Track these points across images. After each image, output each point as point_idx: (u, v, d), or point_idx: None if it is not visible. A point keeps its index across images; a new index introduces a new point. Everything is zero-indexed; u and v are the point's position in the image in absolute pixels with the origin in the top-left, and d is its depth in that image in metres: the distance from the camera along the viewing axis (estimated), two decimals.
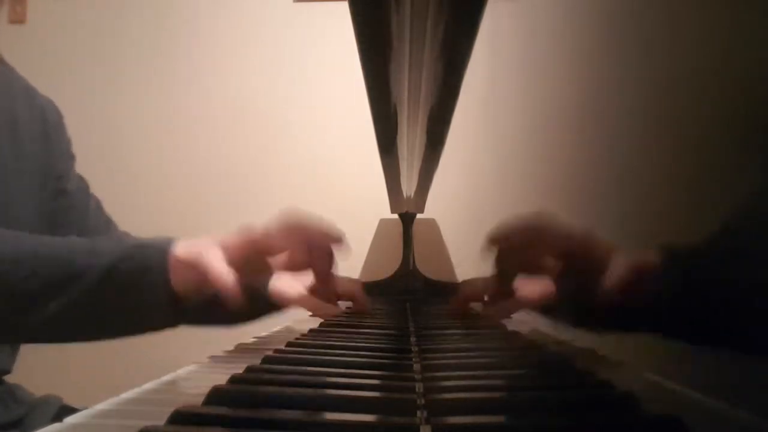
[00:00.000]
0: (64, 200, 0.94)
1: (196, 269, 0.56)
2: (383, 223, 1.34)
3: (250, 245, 0.60)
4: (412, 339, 0.61)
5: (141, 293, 0.57)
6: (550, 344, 0.62)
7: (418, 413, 0.32)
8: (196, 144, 2.04)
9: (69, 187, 0.95)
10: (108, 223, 1.00)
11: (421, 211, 1.18)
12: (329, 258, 0.65)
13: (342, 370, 0.42)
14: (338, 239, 0.65)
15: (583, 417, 0.32)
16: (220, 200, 2.01)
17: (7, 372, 0.89)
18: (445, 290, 1.20)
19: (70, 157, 1.00)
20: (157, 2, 2.11)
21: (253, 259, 0.60)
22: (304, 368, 0.44)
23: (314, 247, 0.64)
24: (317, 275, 0.65)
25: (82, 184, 1.00)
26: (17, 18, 2.06)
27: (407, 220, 1.20)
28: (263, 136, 2.03)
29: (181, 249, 0.59)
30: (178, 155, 2.04)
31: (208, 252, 0.57)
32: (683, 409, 0.37)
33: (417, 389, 0.37)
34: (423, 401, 0.34)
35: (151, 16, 2.09)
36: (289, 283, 0.72)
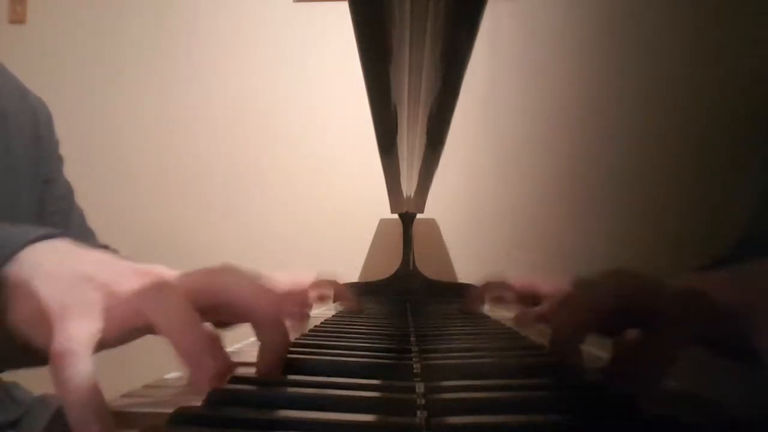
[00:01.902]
0: (50, 203, 0.91)
1: (45, 331, 0.35)
2: (383, 223, 1.34)
3: (133, 322, 0.37)
4: (412, 339, 0.61)
5: None
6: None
7: (418, 413, 0.32)
8: (196, 144, 2.04)
9: (55, 191, 0.92)
10: (90, 235, 0.98)
11: (421, 211, 1.18)
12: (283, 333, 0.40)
13: (342, 370, 0.42)
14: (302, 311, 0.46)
15: (583, 417, 0.32)
16: (219, 200, 2.01)
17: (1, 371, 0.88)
18: (445, 290, 1.20)
19: (59, 159, 0.97)
20: (157, 2, 2.11)
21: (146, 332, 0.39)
22: (304, 368, 0.44)
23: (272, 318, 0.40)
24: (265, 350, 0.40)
25: (68, 191, 0.96)
26: (17, 18, 2.06)
27: (407, 220, 1.20)
28: (263, 136, 2.03)
29: (42, 278, 0.36)
30: (178, 155, 2.04)
31: (73, 323, 0.35)
32: (683, 409, 0.37)
33: (417, 389, 0.37)
34: (423, 401, 0.34)
35: (151, 16, 2.09)
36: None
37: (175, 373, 0.47)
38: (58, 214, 0.92)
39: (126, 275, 0.39)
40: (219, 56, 2.07)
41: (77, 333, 0.35)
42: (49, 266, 0.37)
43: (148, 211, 1.99)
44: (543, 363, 0.50)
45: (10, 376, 0.90)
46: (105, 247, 0.95)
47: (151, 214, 1.98)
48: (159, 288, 0.35)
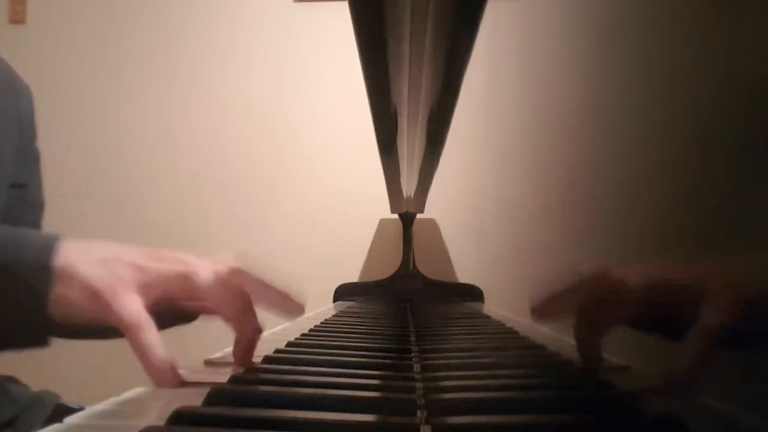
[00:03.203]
0: (21, 211, 0.82)
1: (100, 307, 0.43)
2: (383, 223, 1.34)
3: (181, 293, 0.46)
4: (412, 339, 0.61)
5: (6, 295, 0.44)
6: (550, 344, 0.62)
7: (418, 413, 0.32)
8: (196, 144, 2.04)
9: (30, 197, 0.84)
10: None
11: (421, 211, 1.18)
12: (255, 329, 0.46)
13: (342, 370, 0.42)
14: (293, 310, 0.50)
15: (583, 417, 0.32)
16: (219, 200, 2.01)
17: None
18: (445, 290, 1.20)
19: (37, 155, 0.87)
20: (157, 3, 2.11)
21: (174, 312, 0.48)
22: (304, 368, 0.44)
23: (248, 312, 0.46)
24: (240, 338, 0.46)
25: (41, 194, 0.88)
26: (17, 18, 2.06)
27: (407, 220, 1.20)
28: (263, 136, 2.03)
29: (80, 263, 0.44)
30: (178, 155, 2.04)
31: (127, 298, 0.43)
32: (683, 409, 0.37)
33: (417, 389, 0.37)
34: (423, 401, 0.34)
35: (151, 16, 2.09)
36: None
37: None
38: (27, 225, 0.82)
39: (143, 255, 0.46)
40: (219, 56, 2.07)
41: (138, 306, 0.43)
42: (81, 255, 0.44)
43: (148, 211, 1.99)
44: (543, 363, 0.50)
45: (6, 370, 0.89)
46: None
47: (151, 214, 1.98)
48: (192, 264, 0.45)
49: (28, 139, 0.85)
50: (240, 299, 0.46)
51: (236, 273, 0.47)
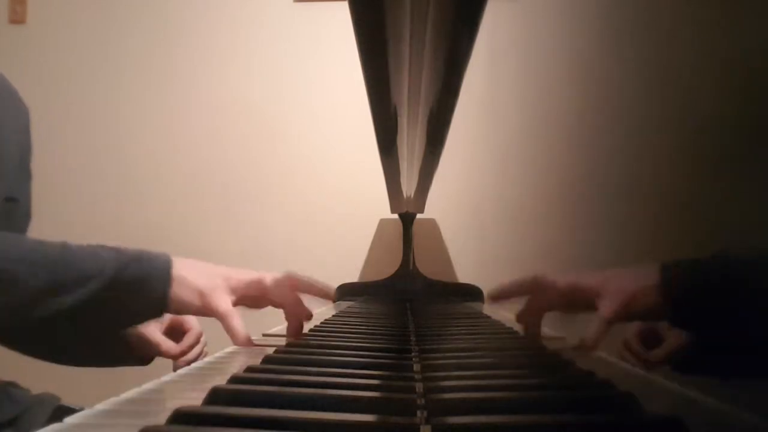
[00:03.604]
0: (11, 214, 0.84)
1: (203, 302, 0.66)
2: (383, 223, 1.34)
3: (257, 294, 0.70)
4: (412, 339, 0.61)
5: (135, 306, 0.65)
6: (550, 344, 0.62)
7: (418, 413, 0.32)
8: (196, 143, 2.04)
9: (20, 210, 0.87)
10: None
11: (421, 211, 1.18)
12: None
13: (342, 370, 0.42)
14: (329, 296, 0.76)
15: (583, 417, 0.32)
16: (219, 200, 2.01)
17: None
18: (445, 290, 1.20)
19: (29, 174, 0.92)
20: (157, 3, 2.11)
21: (250, 305, 0.71)
22: (304, 368, 0.44)
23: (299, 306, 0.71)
24: (291, 323, 0.71)
25: (29, 209, 0.91)
26: (17, 18, 2.06)
27: (407, 220, 1.20)
28: (263, 136, 2.03)
29: (193, 273, 0.67)
30: (178, 155, 2.04)
31: (222, 292, 0.67)
32: (683, 409, 0.37)
33: (417, 389, 0.37)
34: (423, 401, 0.34)
35: (151, 16, 2.09)
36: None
37: (174, 373, 0.47)
38: (16, 223, 0.86)
39: (223, 270, 0.70)
40: (219, 56, 2.07)
41: (228, 302, 0.67)
42: (188, 266, 0.67)
43: (148, 211, 1.99)
44: (543, 363, 0.50)
45: (7, 375, 0.90)
46: None
47: (151, 214, 1.98)
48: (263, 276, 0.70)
49: (25, 156, 0.90)
50: (292, 295, 0.70)
51: (289, 278, 0.70)
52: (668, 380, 0.45)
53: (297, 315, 0.70)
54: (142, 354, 0.87)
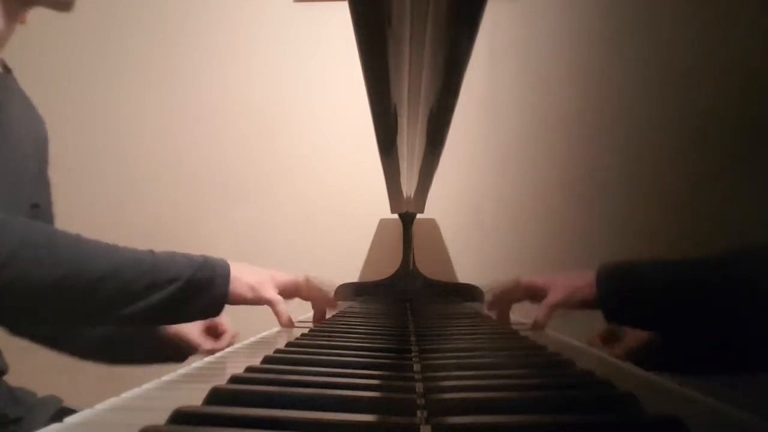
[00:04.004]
0: (36, 215, 0.93)
1: (255, 294, 0.82)
2: (383, 223, 1.34)
3: (293, 290, 0.88)
4: (412, 339, 0.61)
5: (204, 301, 0.78)
6: (550, 344, 0.62)
7: (418, 413, 0.32)
8: (195, 144, 2.04)
9: (43, 209, 0.97)
10: None
11: (421, 211, 1.18)
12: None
13: (342, 370, 0.42)
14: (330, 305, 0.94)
15: (583, 417, 0.32)
16: (219, 200, 2.01)
17: (3, 372, 0.89)
18: (445, 290, 1.20)
19: (48, 182, 1.02)
20: (157, 3, 2.11)
21: (287, 297, 0.87)
22: (304, 368, 0.44)
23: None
24: (319, 310, 0.92)
25: (51, 213, 1.02)
26: None
27: (407, 220, 1.20)
28: (263, 136, 2.03)
29: (245, 273, 0.82)
30: (178, 155, 2.04)
31: (269, 286, 0.84)
32: (683, 409, 0.37)
33: (417, 389, 0.37)
34: (423, 401, 0.34)
35: (151, 16, 2.09)
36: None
37: (175, 373, 0.47)
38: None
39: (269, 271, 0.87)
40: (219, 56, 2.07)
41: (275, 294, 0.84)
42: (242, 269, 0.83)
43: (148, 211, 1.99)
44: (543, 363, 0.50)
45: (13, 377, 0.90)
46: None
47: (151, 214, 1.98)
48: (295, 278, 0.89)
49: (43, 166, 1.01)
50: (317, 291, 0.90)
51: (310, 281, 0.89)
52: (668, 380, 0.45)
53: (321, 307, 0.90)
54: (180, 353, 1.01)
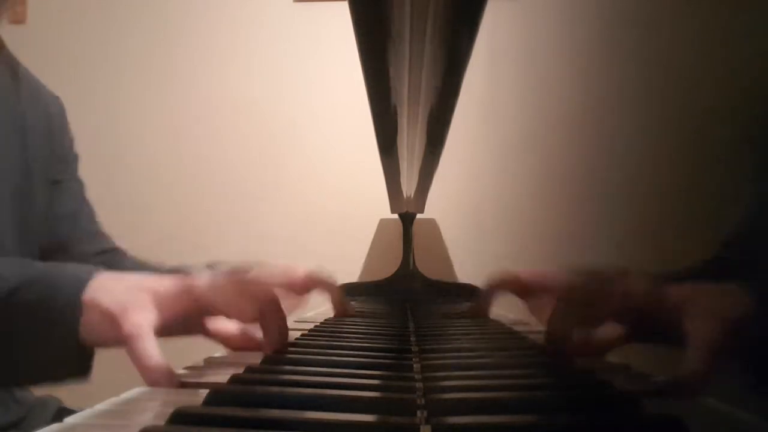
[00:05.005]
0: (59, 206, 0.91)
1: (114, 327, 0.47)
2: (383, 223, 1.34)
3: (188, 304, 0.51)
4: (412, 339, 0.61)
5: (41, 328, 0.49)
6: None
7: (418, 413, 0.32)
8: (195, 144, 2.04)
9: (65, 192, 0.93)
10: (96, 235, 0.96)
11: (421, 211, 1.18)
12: (279, 318, 0.52)
13: (342, 370, 0.42)
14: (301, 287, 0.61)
15: (583, 417, 0.32)
16: (219, 200, 2.01)
17: None
18: (445, 290, 1.20)
19: (74, 158, 0.99)
20: (157, 3, 2.11)
21: (188, 319, 0.53)
22: (304, 368, 0.44)
23: (264, 308, 0.52)
24: (267, 334, 0.52)
25: (80, 190, 0.98)
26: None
27: (407, 220, 1.20)
28: (263, 136, 2.03)
29: (102, 294, 0.49)
30: (178, 155, 2.04)
31: (134, 315, 0.47)
32: (683, 409, 0.37)
33: (417, 389, 0.37)
34: (423, 401, 0.34)
35: (151, 16, 2.09)
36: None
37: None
38: (66, 219, 0.92)
39: (161, 280, 0.51)
40: (219, 56, 2.07)
41: (139, 321, 0.47)
42: (106, 285, 0.50)
43: (147, 211, 1.99)
44: (543, 363, 0.50)
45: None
46: (115, 249, 0.95)
47: (151, 214, 1.98)
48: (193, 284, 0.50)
49: (60, 142, 0.93)
50: (250, 303, 0.51)
51: (254, 279, 0.54)
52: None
53: (334, 296, 0.71)
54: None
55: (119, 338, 0.47)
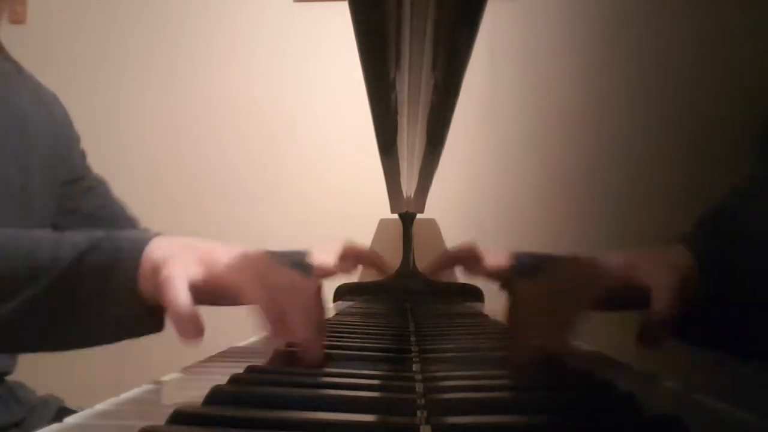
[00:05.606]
0: (72, 203, 0.94)
1: (155, 275, 0.50)
2: (383, 223, 1.34)
3: (214, 283, 0.52)
4: (412, 339, 0.61)
5: (107, 288, 0.51)
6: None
7: (418, 413, 0.32)
8: (195, 144, 2.04)
9: (79, 189, 0.97)
10: (131, 222, 1.04)
11: (421, 211, 1.18)
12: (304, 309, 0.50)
13: (342, 370, 0.42)
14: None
15: (583, 417, 0.32)
16: (219, 200, 2.01)
17: (9, 373, 0.89)
18: (445, 290, 1.20)
19: (81, 155, 1.03)
20: (157, 3, 2.11)
21: (217, 293, 0.54)
22: (303, 368, 0.44)
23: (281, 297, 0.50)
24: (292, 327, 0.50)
25: (99, 184, 1.04)
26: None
27: (407, 220, 1.20)
28: (263, 136, 2.03)
29: (155, 249, 0.53)
30: (178, 155, 2.04)
31: (174, 265, 0.50)
32: (683, 409, 0.37)
33: (417, 389, 0.37)
34: (423, 401, 0.34)
35: (151, 16, 2.09)
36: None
37: (174, 373, 0.47)
38: (90, 197, 0.99)
39: (217, 246, 0.57)
40: (219, 56, 2.07)
41: (177, 270, 0.49)
42: (161, 244, 0.54)
43: (147, 211, 1.98)
44: (543, 363, 0.50)
45: (14, 376, 0.90)
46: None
47: (151, 214, 1.98)
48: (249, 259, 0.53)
49: (67, 139, 0.97)
50: (259, 287, 0.49)
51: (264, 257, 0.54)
52: (668, 380, 0.45)
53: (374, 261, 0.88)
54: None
55: (157, 285, 0.49)
